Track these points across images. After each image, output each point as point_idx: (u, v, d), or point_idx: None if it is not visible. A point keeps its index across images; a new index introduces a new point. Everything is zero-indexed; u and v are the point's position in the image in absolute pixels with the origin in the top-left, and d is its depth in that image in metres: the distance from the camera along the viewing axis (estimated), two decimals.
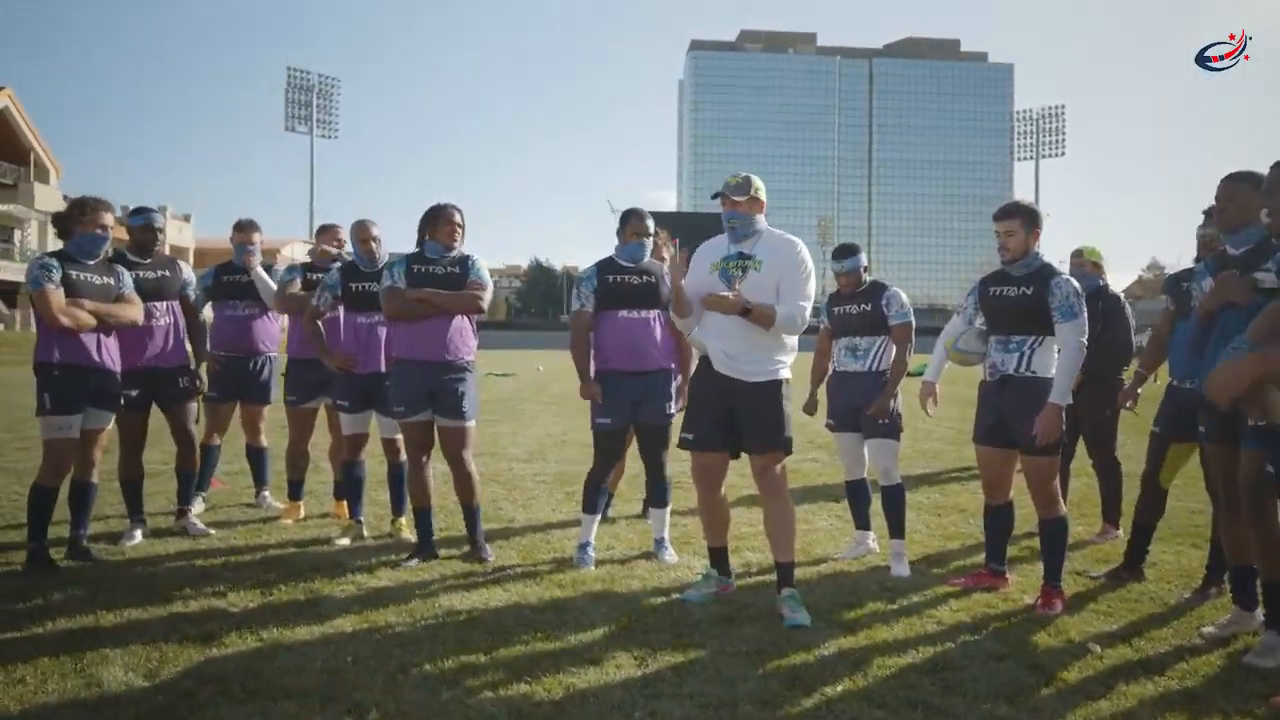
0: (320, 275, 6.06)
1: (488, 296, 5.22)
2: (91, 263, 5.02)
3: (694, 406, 4.43)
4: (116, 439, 5.44)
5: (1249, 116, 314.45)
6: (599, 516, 5.39)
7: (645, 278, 5.17)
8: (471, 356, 5.20)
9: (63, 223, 5.03)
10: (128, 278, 5.21)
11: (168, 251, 6.54)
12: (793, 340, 4.34)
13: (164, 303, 5.59)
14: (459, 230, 5.15)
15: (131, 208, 5.70)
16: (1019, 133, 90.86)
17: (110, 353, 5.04)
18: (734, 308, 4.12)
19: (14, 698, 3.16)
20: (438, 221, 5.11)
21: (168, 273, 5.67)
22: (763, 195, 4.36)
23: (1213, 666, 3.63)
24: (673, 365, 5.23)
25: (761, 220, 4.37)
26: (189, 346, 5.75)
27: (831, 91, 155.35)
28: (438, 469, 5.29)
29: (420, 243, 5.16)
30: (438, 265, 5.09)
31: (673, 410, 5.17)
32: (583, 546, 5.17)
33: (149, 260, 5.64)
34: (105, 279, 5.04)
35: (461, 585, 4.64)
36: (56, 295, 4.77)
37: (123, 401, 5.27)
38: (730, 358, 4.22)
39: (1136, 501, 5.02)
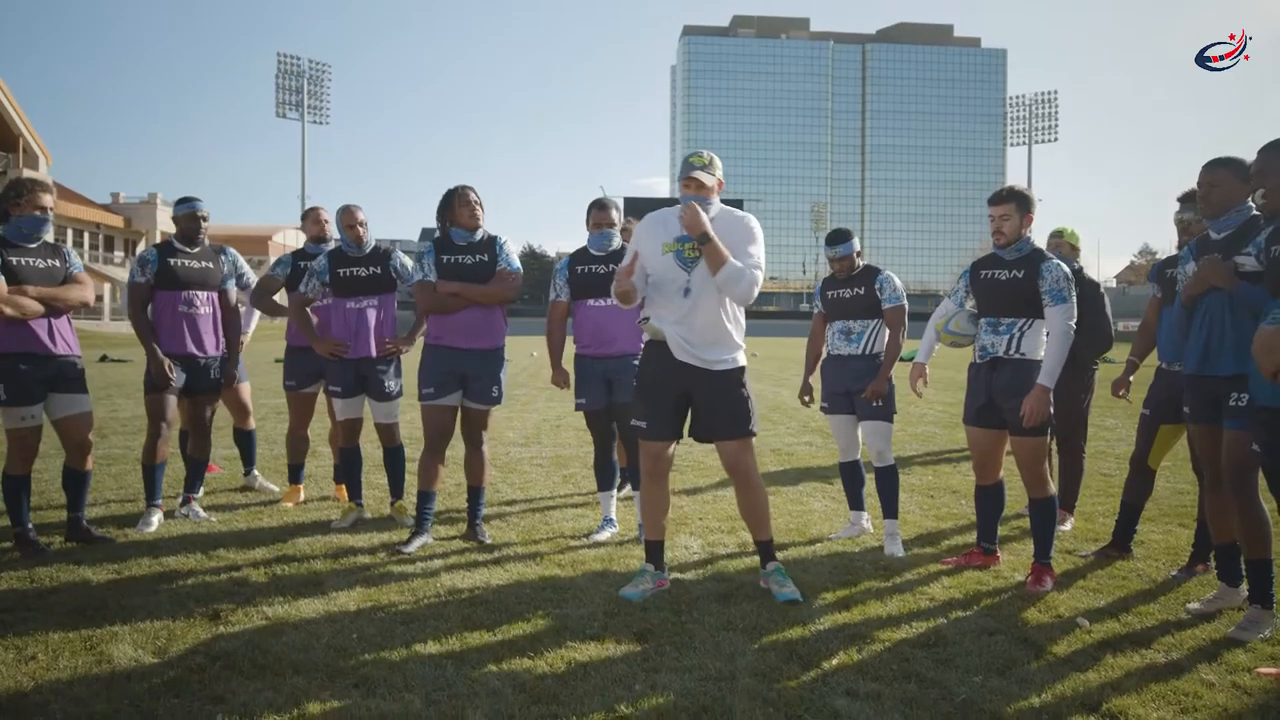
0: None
1: (518, 281, 5.27)
2: (33, 246, 4.90)
3: (647, 393, 4.30)
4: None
5: (1243, 103, 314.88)
6: (614, 492, 5.55)
7: (612, 267, 5.26)
8: (502, 341, 5.28)
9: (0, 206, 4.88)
10: (75, 257, 5.15)
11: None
12: (743, 321, 4.30)
13: (206, 292, 5.65)
14: (479, 209, 5.19)
15: (177, 198, 5.73)
16: (1012, 118, 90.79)
17: (65, 337, 4.94)
18: (697, 226, 4.00)
19: (27, 674, 3.22)
20: (455, 204, 5.15)
21: (211, 264, 5.70)
22: (721, 175, 4.26)
23: (1198, 640, 3.73)
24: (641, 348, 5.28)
25: (718, 201, 4.25)
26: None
27: (825, 77, 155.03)
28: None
29: (442, 229, 5.20)
30: (466, 254, 5.13)
31: None
32: (605, 520, 5.46)
33: (196, 250, 5.67)
34: (50, 261, 4.92)
35: (462, 565, 4.71)
36: None
37: (173, 384, 5.39)
38: (690, 344, 4.15)
39: (1126, 481, 5.11)
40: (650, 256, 4.21)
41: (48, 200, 4.93)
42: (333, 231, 6.35)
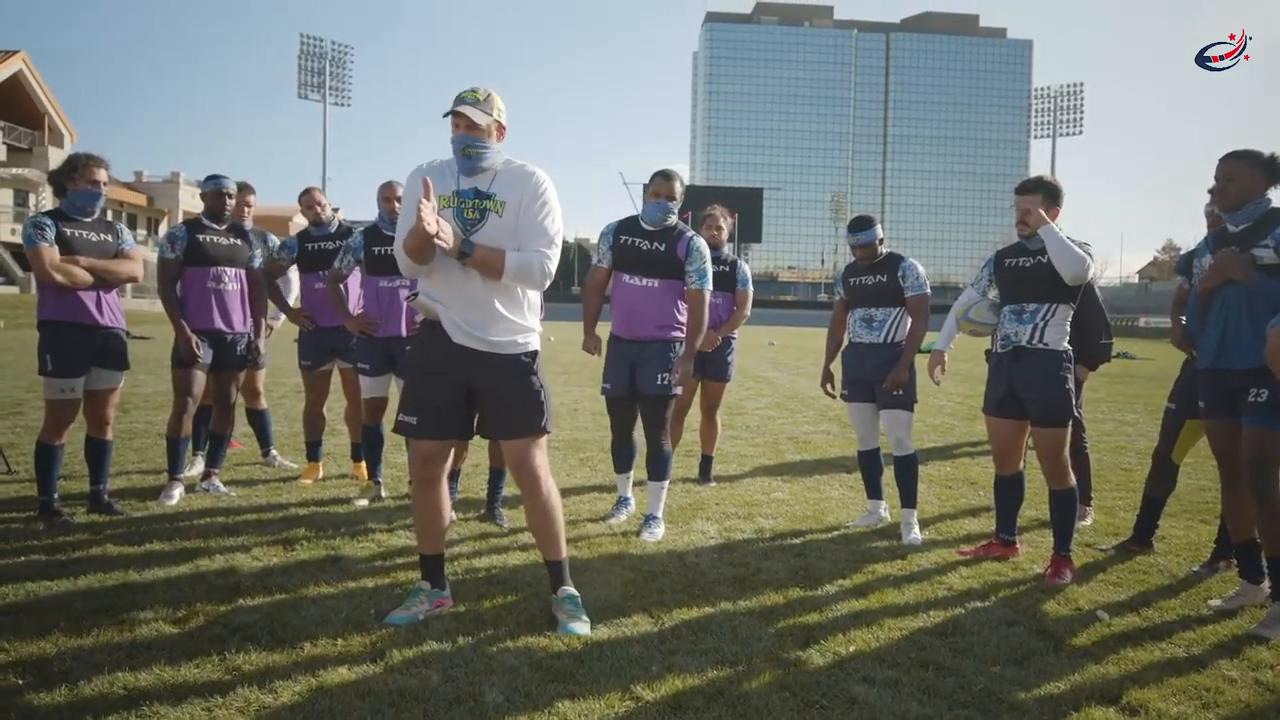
0: (320, 244, 6.16)
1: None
2: (88, 220, 5.02)
3: (417, 384, 3.63)
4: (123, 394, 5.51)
5: (1269, 100, 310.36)
6: (630, 474, 5.50)
7: (656, 244, 5.04)
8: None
9: (58, 180, 5.03)
10: (128, 235, 5.25)
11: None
12: (536, 301, 3.69)
13: (234, 269, 5.67)
14: None
15: (205, 176, 5.74)
16: (1036, 110, 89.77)
17: (113, 310, 5.06)
18: (451, 248, 3.36)
19: (50, 641, 3.25)
20: None
21: (239, 241, 5.73)
22: (505, 119, 3.56)
23: (1219, 636, 3.69)
24: (675, 336, 5.09)
25: (502, 151, 3.57)
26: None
27: (848, 66, 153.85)
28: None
29: None
30: None
31: (665, 381, 5.02)
32: (620, 501, 5.45)
33: (223, 226, 5.71)
34: (103, 236, 5.05)
35: (480, 545, 4.73)
36: (50, 252, 4.79)
37: (200, 360, 5.43)
38: (469, 325, 3.50)
39: (1148, 475, 5.06)
40: None
41: (101, 175, 5.04)
42: (327, 214, 6.28)
